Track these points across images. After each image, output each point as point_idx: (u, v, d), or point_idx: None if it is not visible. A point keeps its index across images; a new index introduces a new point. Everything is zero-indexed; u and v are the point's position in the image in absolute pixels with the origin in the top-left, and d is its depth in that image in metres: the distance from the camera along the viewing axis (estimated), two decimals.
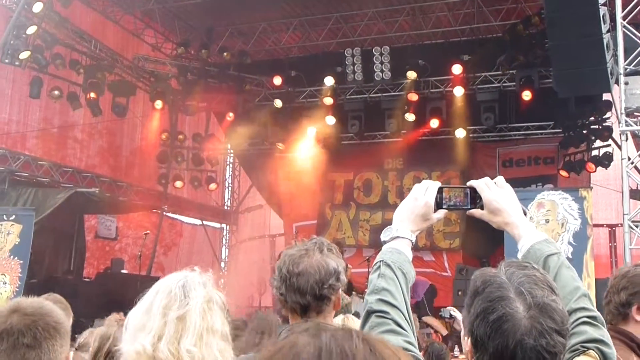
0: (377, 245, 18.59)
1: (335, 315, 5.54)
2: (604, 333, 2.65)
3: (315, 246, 3.52)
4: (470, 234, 20.10)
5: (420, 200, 2.82)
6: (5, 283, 14.04)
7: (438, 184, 2.86)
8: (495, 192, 2.85)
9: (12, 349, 2.73)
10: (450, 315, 7.81)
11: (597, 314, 2.70)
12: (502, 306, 2.34)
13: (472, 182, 2.88)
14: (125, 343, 2.81)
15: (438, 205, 2.83)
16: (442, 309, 11.22)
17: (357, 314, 15.92)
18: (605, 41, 12.62)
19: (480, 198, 2.85)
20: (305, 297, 3.42)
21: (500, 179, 2.91)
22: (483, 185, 2.86)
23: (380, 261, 2.70)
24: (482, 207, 2.85)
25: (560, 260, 2.78)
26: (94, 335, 5.58)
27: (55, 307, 2.93)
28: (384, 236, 2.81)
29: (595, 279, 12.50)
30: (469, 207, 2.86)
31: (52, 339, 2.79)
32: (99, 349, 4.41)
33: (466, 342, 2.50)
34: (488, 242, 16.65)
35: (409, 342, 2.51)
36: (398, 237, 2.78)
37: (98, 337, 4.89)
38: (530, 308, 2.33)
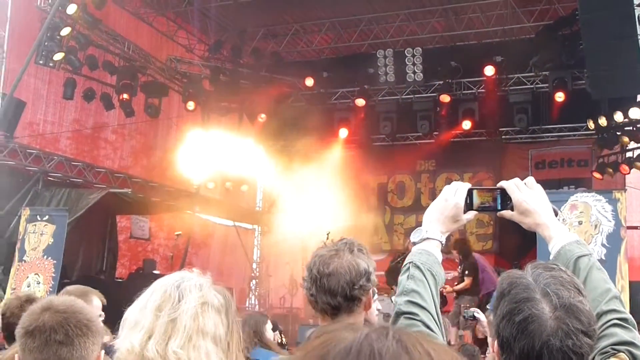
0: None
1: None
2: (635, 335, 2.62)
3: (345, 246, 3.50)
4: (504, 236, 20.05)
5: (450, 201, 2.81)
6: (39, 283, 14.15)
7: (468, 185, 2.85)
8: (526, 193, 2.84)
9: (45, 345, 2.76)
10: (474, 316, 7.75)
11: (629, 316, 2.68)
12: (528, 307, 2.34)
13: (502, 183, 2.86)
14: (120, 339, 2.83)
15: (468, 207, 2.82)
16: (465, 310, 11.16)
17: (389, 316, 15.92)
18: None
19: (510, 199, 2.83)
20: (336, 298, 3.40)
21: (530, 180, 2.89)
22: (513, 187, 2.84)
23: (410, 262, 2.70)
24: (512, 209, 2.83)
25: (591, 261, 2.76)
26: None
27: (86, 305, 2.95)
28: (413, 237, 2.81)
29: (630, 281, 12.39)
30: (499, 208, 2.85)
31: (84, 336, 2.80)
32: None
33: (493, 344, 2.50)
34: (521, 244, 16.59)
35: None
36: (428, 238, 2.77)
37: None
38: (557, 309, 2.32)
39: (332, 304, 3.40)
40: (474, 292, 16.74)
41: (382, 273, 18.19)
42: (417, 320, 2.55)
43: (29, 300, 5.41)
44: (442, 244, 2.77)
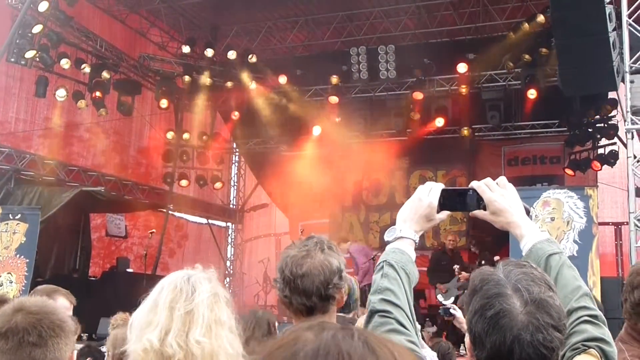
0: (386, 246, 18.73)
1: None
2: (604, 332, 2.66)
3: (316, 246, 3.50)
4: (475, 233, 20.12)
5: (424, 201, 2.83)
6: (11, 282, 14.09)
7: (441, 186, 2.87)
8: (497, 192, 2.86)
9: (18, 347, 2.74)
10: (450, 313, 7.78)
11: (599, 312, 2.71)
12: (499, 302, 2.36)
13: (473, 184, 2.89)
14: (131, 343, 2.81)
15: (442, 207, 2.84)
16: (440, 307, 11.22)
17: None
18: (611, 39, 12.62)
19: (482, 199, 2.86)
20: (311, 298, 3.40)
21: (502, 179, 2.92)
22: (484, 187, 2.87)
23: (384, 261, 2.71)
24: (484, 208, 2.86)
25: (561, 259, 2.79)
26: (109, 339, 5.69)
27: (58, 306, 2.94)
28: (387, 236, 2.83)
29: (601, 277, 12.51)
30: (471, 208, 2.87)
31: (57, 337, 2.80)
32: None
33: (467, 340, 2.52)
34: (493, 241, 16.68)
35: (412, 342, 2.53)
36: (402, 237, 2.79)
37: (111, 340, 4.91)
38: (527, 304, 2.35)
39: (307, 305, 3.41)
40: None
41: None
42: (390, 317, 2.56)
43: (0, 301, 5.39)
44: (415, 243, 2.79)
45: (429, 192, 2.84)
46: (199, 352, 2.74)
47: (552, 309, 2.35)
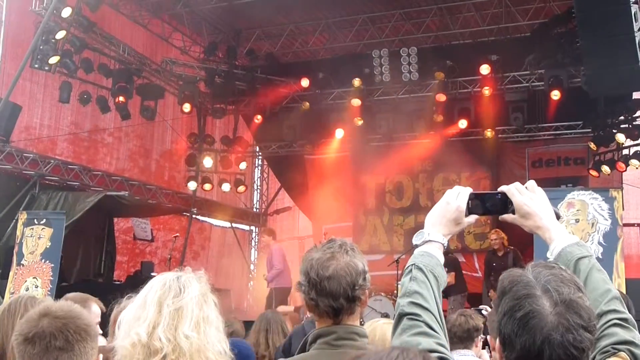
0: (411, 249, 18.66)
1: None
2: (635, 335, 2.65)
3: (340, 248, 3.51)
4: None
5: (452, 204, 2.85)
6: (37, 287, 14.13)
7: (470, 190, 2.88)
8: (526, 196, 2.88)
9: (45, 352, 2.75)
10: (482, 315, 7.74)
11: (629, 316, 2.71)
12: (529, 303, 2.36)
13: (503, 188, 2.90)
14: (119, 339, 2.83)
15: (470, 210, 2.85)
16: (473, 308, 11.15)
17: (386, 315, 15.88)
18: (637, 39, 12.52)
19: (511, 202, 2.87)
20: (338, 300, 3.41)
21: (531, 183, 2.92)
22: (514, 190, 2.88)
23: (412, 264, 2.72)
24: (513, 212, 2.87)
25: (591, 262, 2.79)
26: None
27: (84, 310, 2.95)
28: (415, 240, 2.84)
29: (626, 279, 12.40)
30: (501, 211, 2.86)
31: (84, 341, 2.80)
32: None
33: (495, 342, 2.52)
34: (517, 243, 16.59)
35: (440, 344, 2.53)
36: (430, 240, 2.80)
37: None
38: (557, 305, 2.35)
39: (334, 307, 3.41)
40: (460, 289, 16.89)
41: (379, 273, 18.20)
42: (419, 321, 2.57)
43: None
44: (444, 247, 2.80)
45: (457, 196, 2.86)
46: (187, 346, 2.75)
47: (582, 310, 2.35)
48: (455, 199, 2.85)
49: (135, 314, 2.82)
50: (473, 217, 2.87)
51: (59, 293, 13.46)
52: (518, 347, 2.35)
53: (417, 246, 2.82)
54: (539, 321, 2.33)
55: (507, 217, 2.88)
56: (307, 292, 3.46)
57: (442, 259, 2.77)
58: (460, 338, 6.49)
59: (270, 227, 18.54)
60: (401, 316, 2.62)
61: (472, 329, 6.62)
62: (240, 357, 6.44)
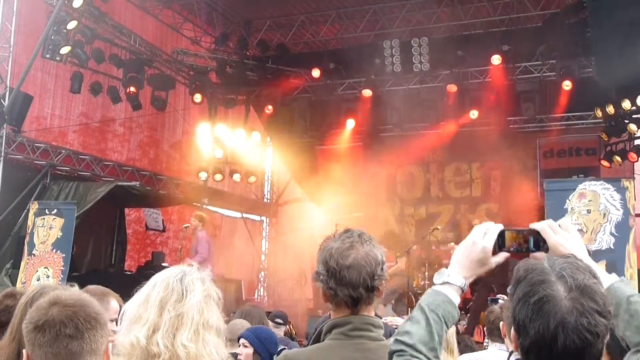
0: (423, 240, 18.62)
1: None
2: None
3: (359, 238, 3.50)
4: (512, 226, 19.96)
5: (478, 244, 2.82)
6: (48, 277, 14.18)
7: (500, 227, 2.84)
8: (562, 236, 2.84)
9: (55, 340, 2.75)
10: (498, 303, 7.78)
11: None
12: (543, 289, 2.37)
13: (535, 226, 2.86)
14: (120, 334, 2.84)
15: (500, 248, 2.81)
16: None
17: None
18: None
19: (544, 241, 2.82)
20: (357, 290, 3.40)
21: (564, 222, 2.88)
22: (548, 229, 2.84)
23: (417, 304, 2.76)
24: (546, 250, 2.82)
25: None
26: None
27: (93, 299, 2.95)
28: (436, 279, 2.82)
29: (638, 269, 12.38)
30: (532, 249, 2.84)
31: (94, 329, 2.80)
32: None
33: (509, 330, 2.53)
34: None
35: None
36: (448, 282, 2.79)
37: None
38: (572, 290, 2.35)
39: (353, 296, 3.41)
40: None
41: (390, 264, 18.20)
42: (405, 355, 2.62)
43: (9, 295, 5.40)
44: (462, 290, 2.78)
45: (484, 235, 2.82)
46: (184, 356, 2.76)
47: (596, 295, 2.36)
48: (482, 238, 2.81)
49: (137, 312, 2.83)
50: (502, 256, 2.83)
51: (69, 283, 13.50)
52: (532, 333, 2.36)
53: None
54: (553, 306, 2.34)
55: (539, 255, 2.82)
56: (326, 281, 3.46)
57: (453, 298, 2.75)
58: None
59: (201, 213, 18.26)
60: (390, 355, 2.67)
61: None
62: (263, 342, 6.48)
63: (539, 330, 2.34)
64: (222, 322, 2.92)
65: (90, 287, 5.69)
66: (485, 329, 6.75)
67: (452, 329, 6.52)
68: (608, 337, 2.39)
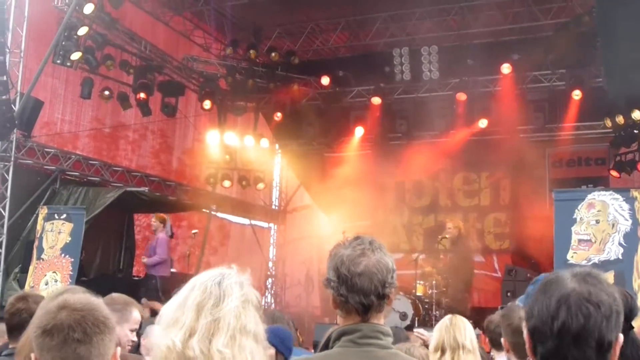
0: (431, 249, 18.59)
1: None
2: None
3: (371, 245, 3.51)
4: (520, 235, 20.00)
5: None
6: (56, 281, 14.21)
7: None
8: None
9: (63, 344, 2.76)
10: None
11: None
12: (553, 278, 2.44)
13: None
14: (157, 336, 2.85)
15: None
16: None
17: (405, 314, 15.91)
18: None
19: None
20: (369, 297, 3.40)
21: None
22: None
23: None
24: None
25: None
26: None
27: (101, 302, 2.96)
28: None
29: None
30: None
31: (102, 333, 2.81)
32: None
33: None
34: (538, 243, 16.54)
35: None
36: None
37: None
38: (577, 274, 2.42)
39: (365, 303, 3.41)
40: None
41: (398, 272, 18.11)
42: None
43: (20, 298, 5.44)
44: None
45: None
46: None
47: (603, 280, 2.40)
48: None
49: (174, 315, 2.83)
50: None
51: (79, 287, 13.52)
52: (535, 312, 2.39)
53: None
54: (557, 285, 2.38)
55: None
56: (337, 288, 3.45)
57: None
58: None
59: (162, 215, 18.24)
60: None
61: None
62: (284, 341, 6.50)
63: (541, 307, 2.37)
64: (260, 327, 2.91)
65: (115, 295, 5.71)
66: (488, 339, 6.71)
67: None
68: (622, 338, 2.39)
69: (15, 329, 5.14)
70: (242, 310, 2.84)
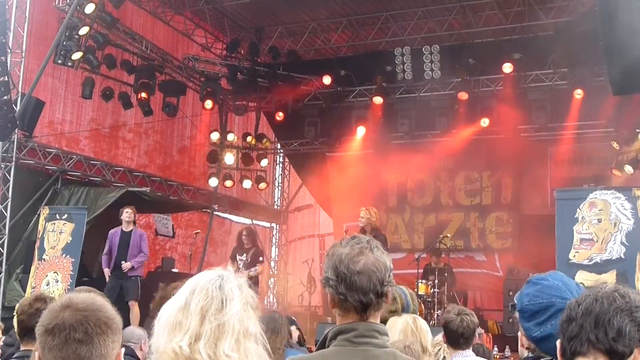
0: (432, 248, 18.58)
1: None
2: None
3: (368, 244, 3.51)
4: (522, 234, 19.98)
5: None
6: (57, 281, 14.22)
7: None
8: None
9: (64, 344, 2.74)
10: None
11: None
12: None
13: None
14: (158, 338, 2.84)
15: None
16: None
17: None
18: None
19: None
20: (367, 295, 3.40)
21: None
22: None
23: None
24: None
25: None
26: None
27: (106, 303, 2.94)
28: None
29: None
30: None
31: (104, 334, 2.79)
32: None
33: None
34: (540, 242, 16.52)
35: None
36: None
37: None
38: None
39: (364, 302, 3.41)
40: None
41: (400, 272, 18.13)
42: None
43: (39, 299, 5.42)
44: None
45: None
46: None
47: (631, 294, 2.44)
48: None
49: (176, 318, 2.83)
50: None
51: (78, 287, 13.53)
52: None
53: None
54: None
55: None
56: (336, 286, 3.45)
57: None
58: (467, 339, 6.49)
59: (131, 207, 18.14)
60: None
61: (476, 328, 6.67)
62: None
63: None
64: (259, 328, 2.92)
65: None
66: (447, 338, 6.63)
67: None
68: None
69: (33, 330, 5.14)
70: (244, 314, 2.85)
